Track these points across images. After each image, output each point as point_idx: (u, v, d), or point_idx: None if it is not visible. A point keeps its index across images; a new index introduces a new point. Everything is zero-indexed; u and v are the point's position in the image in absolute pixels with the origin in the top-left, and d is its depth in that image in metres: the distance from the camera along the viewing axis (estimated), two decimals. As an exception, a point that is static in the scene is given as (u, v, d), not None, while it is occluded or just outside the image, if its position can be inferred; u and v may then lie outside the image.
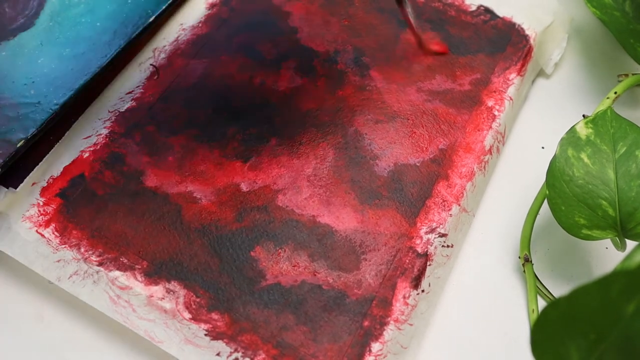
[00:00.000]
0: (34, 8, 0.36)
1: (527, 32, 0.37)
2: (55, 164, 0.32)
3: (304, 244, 0.30)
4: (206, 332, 0.28)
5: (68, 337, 0.30)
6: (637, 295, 0.17)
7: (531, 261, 0.31)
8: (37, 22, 0.36)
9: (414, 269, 0.29)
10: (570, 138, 0.30)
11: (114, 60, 0.35)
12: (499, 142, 0.34)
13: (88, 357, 0.30)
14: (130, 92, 0.35)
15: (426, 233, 0.30)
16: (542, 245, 0.33)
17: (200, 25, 0.37)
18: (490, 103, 0.34)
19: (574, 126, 0.30)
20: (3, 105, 0.33)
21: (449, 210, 0.31)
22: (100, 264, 0.29)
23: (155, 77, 0.35)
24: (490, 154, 0.34)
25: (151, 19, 0.37)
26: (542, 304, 0.31)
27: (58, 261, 0.29)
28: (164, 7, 0.37)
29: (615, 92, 0.34)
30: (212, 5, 0.38)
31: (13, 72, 0.34)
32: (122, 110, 0.34)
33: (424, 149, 0.33)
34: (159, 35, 0.37)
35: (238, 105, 0.34)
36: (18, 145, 0.31)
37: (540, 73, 0.39)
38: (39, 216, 0.30)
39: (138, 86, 0.35)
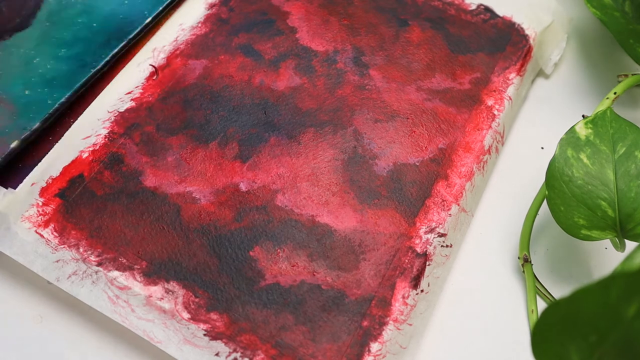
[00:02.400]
0: (31, 8, 0.36)
1: (527, 31, 0.37)
2: (55, 164, 0.32)
3: (303, 244, 0.30)
4: (205, 332, 0.27)
5: (67, 338, 0.30)
6: (637, 297, 0.17)
7: (530, 261, 0.31)
8: (33, 22, 0.36)
9: (413, 268, 0.29)
10: (570, 138, 0.30)
11: (111, 61, 0.35)
12: (498, 142, 0.34)
13: (87, 358, 0.30)
14: (129, 93, 0.35)
15: (425, 233, 0.30)
16: (542, 245, 0.33)
17: (199, 25, 0.37)
18: (490, 102, 0.34)
19: (573, 126, 0.30)
20: None
21: (448, 210, 0.31)
22: (99, 264, 0.29)
23: (155, 77, 0.35)
24: (490, 153, 0.33)
25: (147, 20, 0.37)
26: (541, 304, 0.31)
27: (57, 261, 0.29)
28: (160, 9, 0.37)
29: (615, 93, 0.34)
30: (211, 6, 0.38)
31: (8, 72, 0.34)
32: (122, 110, 0.34)
33: (424, 148, 0.33)
34: (158, 35, 0.37)
35: (237, 105, 0.34)
36: (12, 145, 0.31)
37: (540, 73, 0.39)
38: (38, 216, 0.30)
39: (137, 86, 0.35)
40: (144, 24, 0.36)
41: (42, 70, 0.34)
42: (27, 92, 0.33)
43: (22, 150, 0.32)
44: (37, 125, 0.32)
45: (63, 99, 0.33)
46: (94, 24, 0.36)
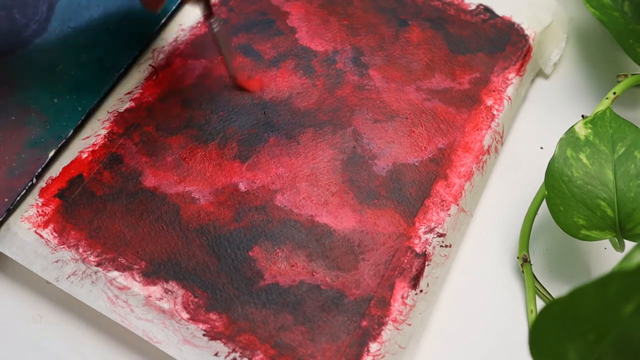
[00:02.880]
0: (44, 13, 0.36)
1: (527, 31, 0.37)
2: (54, 164, 0.32)
3: (302, 244, 0.30)
4: (204, 332, 0.27)
5: (66, 337, 0.30)
6: (635, 295, 0.17)
7: (530, 261, 0.31)
8: (49, 27, 0.36)
9: (412, 268, 0.29)
10: (569, 138, 0.30)
11: (133, 63, 0.35)
12: (497, 142, 0.34)
13: (86, 357, 0.30)
14: (129, 93, 0.35)
15: (424, 233, 0.30)
16: (541, 245, 0.33)
17: (199, 25, 0.37)
18: (489, 102, 0.34)
19: (572, 126, 0.30)
20: (29, 115, 0.33)
21: (448, 210, 0.31)
22: (98, 264, 0.29)
23: (154, 78, 0.35)
24: (489, 153, 0.33)
25: (163, 20, 0.37)
26: (540, 304, 0.31)
27: (56, 261, 0.29)
28: (174, 7, 0.37)
29: (615, 93, 0.34)
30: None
31: (35, 82, 0.34)
32: (121, 110, 0.34)
33: (423, 148, 0.33)
34: (158, 35, 0.37)
35: (236, 105, 0.34)
36: (50, 155, 0.31)
37: (539, 73, 0.39)
38: (37, 217, 0.30)
39: (137, 87, 0.35)
40: (160, 24, 0.37)
41: (67, 77, 0.34)
42: (55, 100, 0.33)
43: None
44: (70, 133, 0.32)
45: (92, 105, 0.33)
46: (111, 27, 0.36)
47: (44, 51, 0.35)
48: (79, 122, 0.33)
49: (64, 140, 0.32)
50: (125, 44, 0.36)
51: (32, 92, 0.34)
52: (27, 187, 0.31)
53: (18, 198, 0.30)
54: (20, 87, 0.34)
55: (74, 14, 0.36)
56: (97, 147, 0.33)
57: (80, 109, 0.33)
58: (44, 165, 0.31)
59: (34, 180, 0.31)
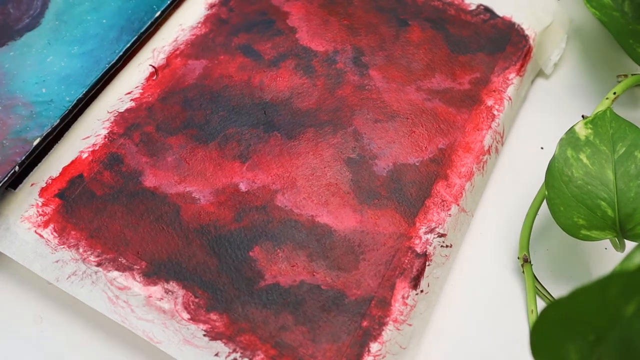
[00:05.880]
0: (39, 8, 0.36)
1: (527, 32, 0.37)
2: (54, 164, 0.32)
3: (303, 244, 0.30)
4: (205, 333, 0.27)
5: (66, 338, 0.30)
6: (636, 296, 0.17)
7: (530, 262, 0.31)
8: (42, 21, 0.36)
9: (412, 269, 0.29)
10: (570, 138, 0.30)
11: (124, 56, 0.35)
12: (497, 142, 0.34)
13: (86, 358, 0.30)
14: (129, 93, 0.35)
15: (425, 233, 0.30)
16: (541, 245, 0.33)
17: (199, 25, 0.37)
18: (489, 102, 0.34)
19: (573, 127, 0.30)
20: (16, 105, 0.33)
21: (448, 210, 0.31)
22: (98, 265, 0.29)
23: (154, 78, 0.35)
24: (489, 154, 0.33)
25: (157, 14, 0.37)
26: (541, 304, 0.31)
27: (57, 261, 0.29)
28: (169, 2, 0.37)
29: (615, 93, 0.34)
30: (211, 6, 0.38)
31: (23, 72, 0.34)
32: (121, 110, 0.34)
33: (424, 148, 0.33)
34: (158, 35, 0.37)
35: (237, 105, 0.34)
36: (34, 143, 0.31)
37: (540, 73, 0.39)
38: (37, 217, 0.30)
39: (137, 86, 0.35)
40: (154, 18, 0.37)
41: (57, 68, 0.34)
42: (44, 90, 0.33)
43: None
44: (56, 122, 0.32)
45: (80, 95, 0.33)
46: (104, 20, 0.36)
47: (35, 43, 0.35)
48: (66, 112, 0.33)
49: (49, 129, 0.32)
50: (118, 37, 0.36)
51: (20, 83, 0.34)
52: (9, 175, 0.30)
53: (0, 185, 0.30)
54: (9, 78, 0.34)
55: (67, 9, 0.37)
56: (97, 147, 0.33)
57: (68, 99, 0.33)
58: (27, 153, 0.31)
59: (17, 168, 0.31)
